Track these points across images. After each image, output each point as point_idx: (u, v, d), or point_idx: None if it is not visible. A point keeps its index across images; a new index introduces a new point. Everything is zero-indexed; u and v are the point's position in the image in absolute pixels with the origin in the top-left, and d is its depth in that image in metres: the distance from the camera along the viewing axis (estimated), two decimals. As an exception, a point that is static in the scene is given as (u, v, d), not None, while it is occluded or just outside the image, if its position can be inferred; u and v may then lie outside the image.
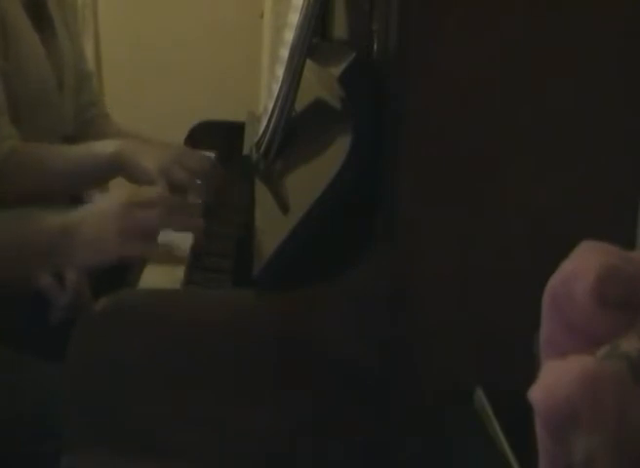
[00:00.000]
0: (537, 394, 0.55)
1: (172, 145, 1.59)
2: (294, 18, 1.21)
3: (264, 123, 1.29)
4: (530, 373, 0.59)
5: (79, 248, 1.13)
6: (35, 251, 1.16)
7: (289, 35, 1.23)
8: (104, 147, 1.51)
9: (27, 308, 1.50)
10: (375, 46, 1.06)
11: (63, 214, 1.18)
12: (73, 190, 1.63)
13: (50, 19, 1.66)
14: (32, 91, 1.57)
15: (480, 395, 0.89)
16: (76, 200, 1.61)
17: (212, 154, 1.64)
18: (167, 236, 1.20)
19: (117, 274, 1.48)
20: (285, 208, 1.10)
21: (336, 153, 1.02)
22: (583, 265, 0.62)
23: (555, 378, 0.55)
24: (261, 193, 1.26)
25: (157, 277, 1.34)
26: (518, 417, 0.64)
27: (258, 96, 2.80)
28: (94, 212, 1.18)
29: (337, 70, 1.03)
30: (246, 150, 1.46)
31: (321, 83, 1.21)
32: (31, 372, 1.32)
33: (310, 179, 1.10)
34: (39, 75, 1.60)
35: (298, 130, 1.25)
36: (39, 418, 1.25)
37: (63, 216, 1.17)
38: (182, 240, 1.27)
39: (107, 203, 1.17)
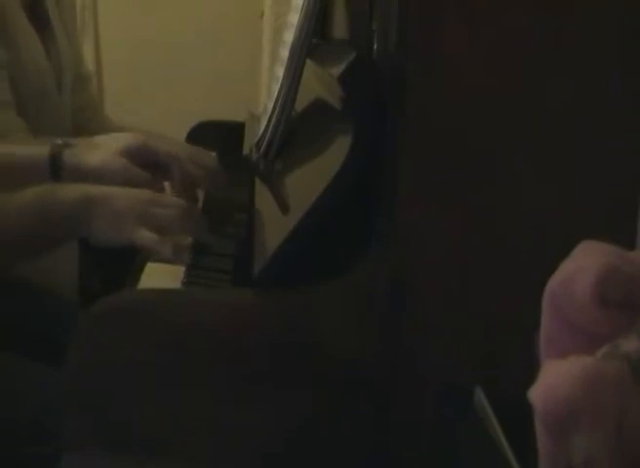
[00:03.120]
0: (537, 394, 0.55)
1: (182, 142, 1.59)
2: (294, 18, 1.21)
3: (264, 123, 1.29)
4: (530, 373, 0.59)
5: (96, 220, 1.13)
6: (55, 221, 1.16)
7: (289, 35, 1.23)
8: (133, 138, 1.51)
9: (27, 308, 1.50)
10: (375, 46, 1.06)
11: (85, 186, 1.18)
12: None
13: (48, 20, 1.66)
14: (32, 90, 1.57)
15: (480, 395, 0.89)
16: None
17: (213, 154, 1.64)
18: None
19: (120, 273, 1.48)
20: (285, 208, 1.10)
21: (336, 153, 1.02)
22: (583, 265, 0.62)
23: (555, 378, 0.55)
24: (261, 193, 1.26)
25: (157, 277, 1.34)
26: (518, 417, 0.64)
27: (258, 96, 2.80)
28: (118, 190, 1.18)
29: (337, 70, 1.03)
30: (246, 150, 1.46)
31: (321, 83, 1.21)
32: (31, 373, 1.32)
33: (310, 179, 1.10)
34: (39, 74, 1.60)
35: (298, 130, 1.24)
36: (39, 419, 1.25)
37: (85, 188, 1.17)
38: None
39: (132, 190, 1.18)
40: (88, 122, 1.78)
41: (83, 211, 1.14)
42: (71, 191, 1.17)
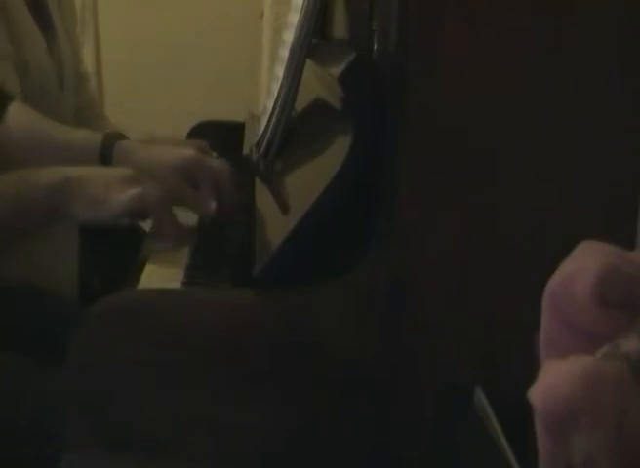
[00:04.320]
0: (537, 394, 0.55)
1: (188, 141, 1.59)
2: (294, 18, 1.21)
3: (264, 123, 1.29)
4: (530, 373, 0.59)
5: (78, 200, 1.13)
6: (33, 204, 1.16)
7: (289, 35, 1.23)
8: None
9: (27, 308, 1.50)
10: (375, 46, 1.06)
11: (63, 169, 1.18)
12: None
13: (50, 18, 1.67)
14: (35, 87, 1.58)
15: (480, 395, 0.89)
16: None
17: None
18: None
19: (120, 273, 1.48)
20: (285, 208, 1.10)
21: (336, 153, 1.02)
22: (583, 265, 0.62)
23: (555, 378, 0.55)
24: (261, 193, 1.26)
25: (157, 277, 1.34)
26: (518, 417, 0.64)
27: (258, 96, 2.80)
28: (96, 170, 1.18)
29: (337, 70, 1.03)
30: (246, 150, 1.46)
31: (321, 83, 1.21)
32: (31, 373, 1.32)
33: (310, 179, 1.10)
34: (41, 71, 1.61)
35: (298, 130, 1.24)
36: (39, 419, 1.25)
37: (63, 170, 1.17)
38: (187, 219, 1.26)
39: (110, 169, 1.17)
40: (88, 121, 1.78)
41: (62, 193, 1.14)
42: (49, 174, 1.17)
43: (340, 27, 1.39)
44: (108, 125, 1.82)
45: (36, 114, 1.41)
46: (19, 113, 1.38)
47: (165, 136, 1.58)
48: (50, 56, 1.64)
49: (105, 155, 1.29)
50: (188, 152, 1.28)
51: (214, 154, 1.57)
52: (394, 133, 0.97)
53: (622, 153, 0.96)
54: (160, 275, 1.33)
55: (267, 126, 1.26)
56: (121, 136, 1.35)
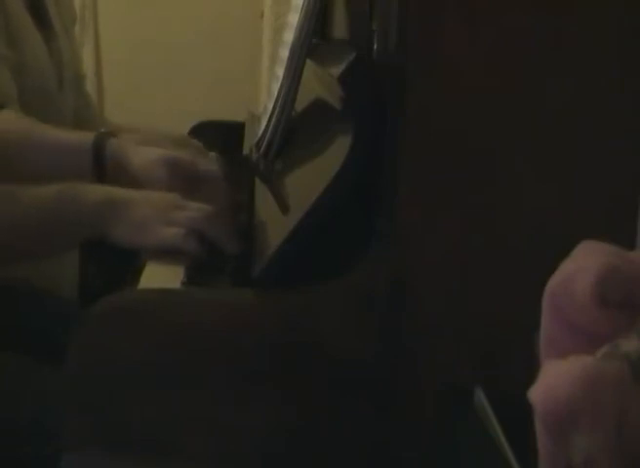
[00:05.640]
0: (537, 394, 0.55)
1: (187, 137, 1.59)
2: (294, 18, 1.21)
3: (264, 123, 1.29)
4: (530, 373, 0.59)
5: (120, 225, 1.12)
6: (74, 219, 1.15)
7: (289, 35, 1.23)
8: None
9: (27, 308, 1.50)
10: (375, 46, 1.06)
11: (106, 188, 1.17)
12: None
13: (49, 19, 1.67)
14: (34, 87, 1.58)
15: (480, 395, 0.89)
16: None
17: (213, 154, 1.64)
18: None
19: (120, 273, 1.48)
20: (285, 208, 1.10)
21: (336, 153, 1.02)
22: (583, 265, 0.62)
23: (555, 378, 0.55)
24: (261, 193, 1.26)
25: (157, 277, 1.34)
26: (518, 417, 0.64)
27: (258, 96, 2.80)
28: (141, 194, 1.17)
29: (337, 70, 1.03)
30: (246, 150, 1.46)
31: (321, 83, 1.21)
32: (31, 373, 1.32)
33: (310, 179, 1.10)
34: (41, 72, 1.61)
35: (298, 130, 1.24)
36: (39, 419, 1.25)
37: (108, 190, 1.16)
38: None
39: (155, 194, 1.17)
40: (87, 122, 1.79)
41: (106, 214, 1.13)
42: (94, 192, 1.16)
43: (339, 27, 1.39)
44: (109, 123, 1.82)
45: (26, 118, 1.41)
46: (6, 120, 1.38)
47: (166, 133, 1.58)
48: (49, 56, 1.64)
49: (99, 156, 1.29)
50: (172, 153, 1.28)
51: (212, 154, 1.57)
52: (394, 133, 0.97)
53: (622, 153, 0.96)
54: (160, 275, 1.33)
55: (267, 126, 1.26)
56: (113, 134, 1.34)
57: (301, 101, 1.24)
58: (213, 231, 1.14)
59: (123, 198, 1.15)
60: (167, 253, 1.15)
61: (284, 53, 1.23)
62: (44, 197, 1.17)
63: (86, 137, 1.31)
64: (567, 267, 0.63)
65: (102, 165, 1.26)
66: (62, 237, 1.19)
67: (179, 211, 1.13)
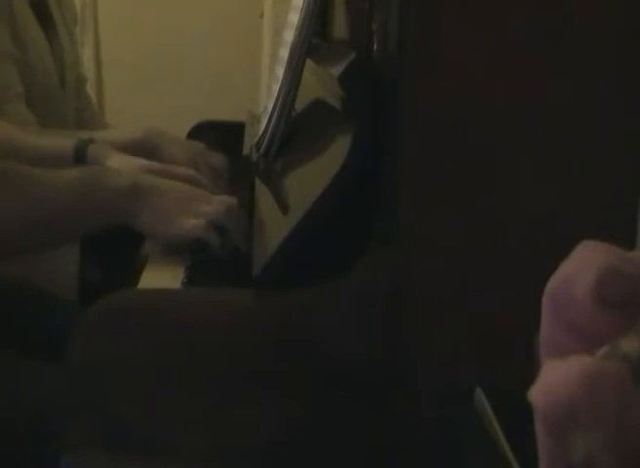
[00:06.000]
0: (537, 394, 0.55)
1: (192, 142, 1.59)
2: (294, 18, 1.21)
3: (264, 123, 1.29)
4: (530, 373, 0.59)
5: (146, 212, 1.11)
6: (98, 205, 1.13)
7: (289, 35, 1.23)
8: (134, 132, 1.51)
9: (27, 308, 1.50)
10: (375, 46, 1.06)
11: (130, 173, 1.16)
12: None
13: (52, 18, 1.68)
14: (37, 86, 1.59)
15: (480, 395, 0.89)
16: None
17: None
18: None
19: (120, 273, 1.48)
20: (285, 208, 1.10)
21: (336, 153, 1.02)
22: (583, 265, 0.62)
23: (555, 378, 0.55)
24: (261, 193, 1.26)
25: (157, 277, 1.34)
26: (518, 417, 0.64)
27: (258, 96, 2.80)
28: (166, 183, 1.16)
29: (337, 70, 1.03)
30: (246, 150, 1.46)
31: (321, 83, 1.21)
32: (31, 373, 1.32)
33: (310, 179, 1.10)
34: (44, 71, 1.62)
35: (298, 130, 1.24)
36: (39, 418, 1.25)
37: (135, 177, 1.15)
38: None
39: (179, 184, 1.16)
40: (86, 122, 1.79)
41: (131, 201, 1.12)
42: (119, 178, 1.14)
43: (339, 27, 1.39)
44: (105, 124, 1.83)
45: (8, 125, 1.40)
46: None
47: (168, 133, 1.58)
48: (52, 55, 1.65)
49: (80, 162, 1.28)
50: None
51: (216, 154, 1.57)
52: (394, 133, 0.97)
53: (622, 153, 0.96)
54: (160, 275, 1.33)
55: (267, 126, 1.26)
56: (92, 141, 1.34)
57: (301, 101, 1.24)
58: (232, 225, 1.14)
59: (148, 185, 1.13)
60: (182, 246, 1.15)
61: (284, 53, 1.24)
62: (71, 177, 1.15)
63: (66, 144, 1.31)
64: (567, 267, 0.63)
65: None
66: (84, 223, 1.17)
67: (201, 202, 1.12)
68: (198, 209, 1.12)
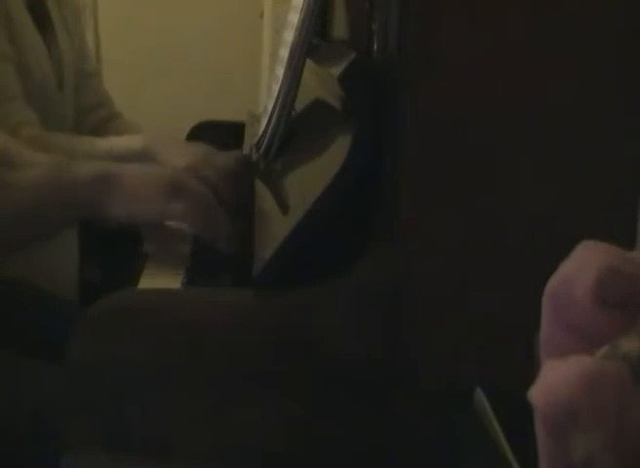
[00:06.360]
0: (537, 394, 0.55)
1: (199, 144, 1.59)
2: (294, 18, 1.21)
3: (264, 123, 1.29)
4: (530, 373, 0.59)
5: (118, 200, 1.10)
6: (68, 195, 1.13)
7: (289, 35, 1.23)
8: (132, 141, 1.51)
9: (27, 308, 1.50)
10: (375, 46, 1.06)
11: (101, 163, 1.16)
12: None
13: (50, 20, 1.67)
14: (34, 87, 1.59)
15: (480, 395, 0.89)
16: None
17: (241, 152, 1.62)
18: None
19: (120, 273, 1.48)
20: (285, 208, 1.10)
21: (336, 153, 1.02)
22: (583, 265, 0.62)
23: (555, 378, 0.55)
24: (261, 193, 1.26)
25: (157, 277, 1.34)
26: (518, 417, 0.64)
27: (258, 96, 2.80)
28: (138, 168, 1.15)
29: (337, 70, 1.03)
30: (246, 150, 1.46)
31: (321, 83, 1.21)
32: (31, 373, 1.32)
33: (310, 179, 1.10)
34: (41, 73, 1.61)
35: (298, 130, 1.25)
36: (39, 418, 1.25)
37: (103, 165, 1.14)
38: None
39: (152, 170, 1.15)
40: (103, 123, 1.78)
41: (100, 191, 1.11)
42: (89, 167, 1.14)
43: (339, 27, 1.39)
44: (126, 123, 1.81)
45: (2, 134, 1.40)
46: None
47: (167, 138, 1.58)
48: (49, 57, 1.64)
49: None
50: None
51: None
52: (394, 133, 0.97)
53: (622, 153, 0.96)
54: (160, 275, 1.33)
55: (267, 126, 1.26)
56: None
57: (301, 101, 1.25)
58: (206, 221, 1.13)
59: (116, 172, 1.12)
60: (169, 230, 1.14)
61: (284, 53, 1.24)
62: (38, 173, 1.15)
63: (58, 158, 1.30)
64: (567, 267, 0.63)
65: None
66: (58, 219, 1.17)
67: (179, 186, 1.11)
68: (176, 192, 1.10)
